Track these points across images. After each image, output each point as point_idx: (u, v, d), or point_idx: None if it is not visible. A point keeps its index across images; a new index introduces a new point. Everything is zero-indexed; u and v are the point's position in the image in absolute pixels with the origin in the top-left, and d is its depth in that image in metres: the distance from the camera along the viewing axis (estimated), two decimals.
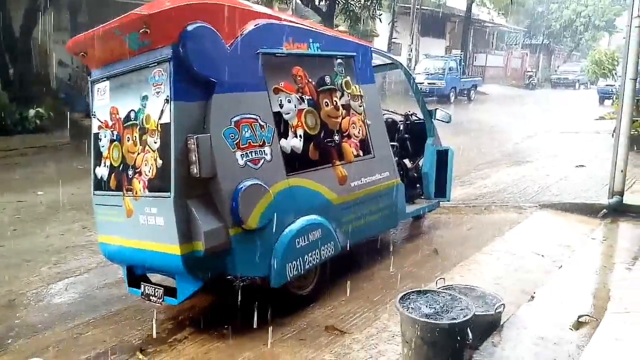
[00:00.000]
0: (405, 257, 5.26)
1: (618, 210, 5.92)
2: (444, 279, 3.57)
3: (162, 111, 3.52)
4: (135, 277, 4.23)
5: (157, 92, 3.56)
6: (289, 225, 3.96)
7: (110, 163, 4.05)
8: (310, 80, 4.27)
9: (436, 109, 6.16)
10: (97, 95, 4.21)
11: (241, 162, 3.65)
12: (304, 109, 4.18)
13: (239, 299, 3.84)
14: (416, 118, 6.40)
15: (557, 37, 43.58)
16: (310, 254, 4.09)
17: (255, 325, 3.78)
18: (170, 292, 3.88)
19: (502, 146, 12.10)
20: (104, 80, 4.10)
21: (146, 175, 3.67)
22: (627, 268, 4.32)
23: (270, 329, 3.76)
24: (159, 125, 3.55)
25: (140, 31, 3.47)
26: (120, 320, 4.29)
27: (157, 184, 3.58)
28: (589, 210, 6.17)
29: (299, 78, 4.19)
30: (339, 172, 4.43)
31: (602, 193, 6.51)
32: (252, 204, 3.61)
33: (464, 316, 2.88)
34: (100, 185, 4.16)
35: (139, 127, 3.75)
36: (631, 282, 3.85)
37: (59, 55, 15.75)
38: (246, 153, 3.68)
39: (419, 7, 27.57)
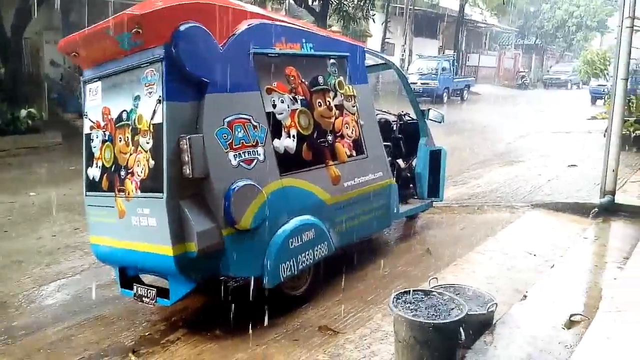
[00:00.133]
0: (399, 257, 5.27)
1: (610, 210, 5.95)
2: (436, 278, 3.57)
3: (154, 111, 3.51)
4: (128, 278, 4.22)
5: (150, 92, 3.55)
6: (283, 226, 3.96)
7: (102, 164, 4.03)
8: (303, 80, 4.27)
9: (429, 109, 6.18)
10: (89, 95, 4.19)
11: (234, 162, 3.64)
12: (297, 109, 4.18)
13: (232, 299, 3.84)
14: (409, 118, 6.42)
15: (550, 37, 43.79)
16: (303, 255, 4.09)
17: (248, 326, 3.78)
18: (162, 293, 3.87)
19: (495, 146, 12.14)
20: (96, 81, 4.08)
21: (138, 175, 3.66)
22: (619, 267, 4.35)
23: (263, 329, 3.76)
24: (152, 126, 3.54)
25: (133, 31, 3.46)
26: (113, 321, 4.27)
27: (150, 185, 3.57)
28: (580, 209, 6.20)
29: (292, 78, 4.19)
30: (333, 172, 4.43)
31: (593, 192, 6.54)
32: (245, 204, 3.61)
33: (457, 315, 2.89)
34: (92, 186, 4.14)
35: (131, 127, 3.74)
36: (623, 281, 3.87)
37: (51, 55, 15.68)
38: (239, 153, 3.68)
39: (412, 7, 27.62)
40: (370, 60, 5.61)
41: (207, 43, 3.54)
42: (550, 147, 11.30)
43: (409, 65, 26.04)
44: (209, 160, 3.48)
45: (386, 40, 25.88)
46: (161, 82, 3.45)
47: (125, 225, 3.80)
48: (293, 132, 4.12)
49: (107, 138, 3.99)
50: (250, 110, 3.80)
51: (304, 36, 4.38)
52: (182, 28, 3.41)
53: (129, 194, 3.74)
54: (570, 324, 3.40)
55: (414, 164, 6.23)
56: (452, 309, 2.98)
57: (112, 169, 3.92)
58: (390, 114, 6.39)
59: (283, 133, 4.05)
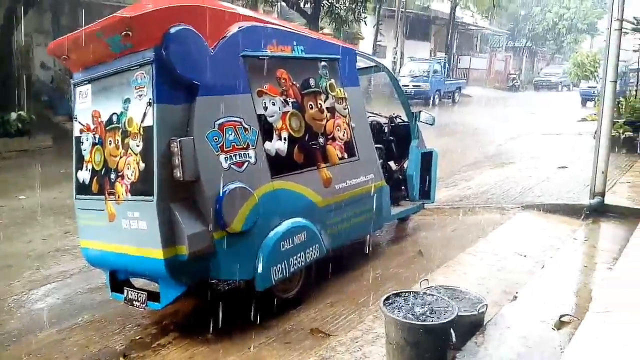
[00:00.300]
0: (390, 259, 5.28)
1: (599, 211, 5.99)
2: (427, 280, 3.58)
3: (144, 114, 3.50)
4: (118, 281, 4.19)
5: (140, 95, 3.53)
6: (274, 228, 3.96)
7: (92, 167, 4.01)
8: (294, 82, 4.28)
9: (420, 112, 6.19)
10: (79, 98, 4.16)
11: (225, 165, 3.64)
12: (288, 111, 4.18)
13: (223, 303, 3.82)
14: (400, 120, 6.43)
15: (540, 39, 44.12)
16: (295, 257, 4.08)
17: (240, 329, 3.77)
18: (153, 296, 3.85)
19: (486, 148, 12.20)
20: (86, 83, 4.06)
21: (128, 178, 3.64)
22: (609, 268, 4.38)
23: (255, 332, 3.75)
24: (142, 129, 3.53)
25: (123, 34, 3.44)
26: (104, 325, 4.25)
27: (140, 188, 3.56)
28: (570, 210, 6.24)
29: (283, 81, 4.19)
30: (324, 175, 4.44)
31: (583, 194, 6.58)
32: (236, 207, 3.60)
33: (447, 317, 2.90)
34: (82, 189, 4.12)
35: (121, 130, 3.72)
36: (612, 281, 3.89)
37: (41, 57, 15.59)
38: (230, 156, 3.67)
39: (403, 10, 27.72)
40: (361, 63, 5.63)
41: (198, 45, 3.53)
42: (541, 149, 11.37)
43: (400, 67, 26.12)
44: (200, 163, 3.48)
45: (378, 42, 25.95)
46: (151, 85, 3.44)
47: (115, 228, 3.79)
48: (284, 134, 4.12)
49: (97, 141, 3.97)
50: (241, 113, 3.79)
51: (295, 39, 4.38)
52: (172, 30, 3.40)
53: (119, 197, 3.73)
54: (561, 324, 3.42)
55: (405, 166, 6.24)
56: (443, 310, 2.99)
57: (102, 172, 3.90)
58: (381, 116, 6.41)
59: (274, 135, 4.05)
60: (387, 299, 3.11)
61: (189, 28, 3.47)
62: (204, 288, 4.12)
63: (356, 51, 5.28)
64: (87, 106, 4.07)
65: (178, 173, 3.41)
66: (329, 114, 4.55)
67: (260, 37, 4.06)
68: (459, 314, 2.97)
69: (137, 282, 4.23)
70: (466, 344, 3.11)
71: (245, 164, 3.77)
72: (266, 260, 3.85)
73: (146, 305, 3.88)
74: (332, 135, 4.56)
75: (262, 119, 3.95)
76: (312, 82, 4.44)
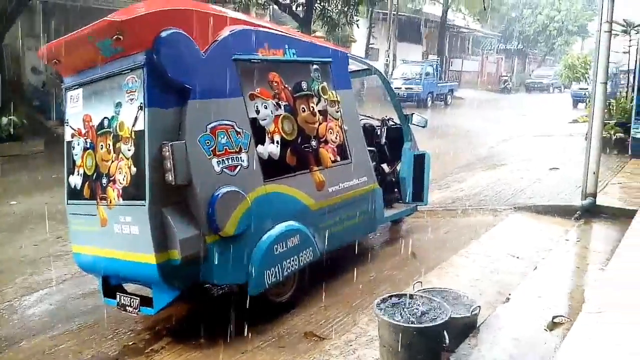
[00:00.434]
0: (384, 261, 5.28)
1: (591, 212, 6.02)
2: (421, 282, 3.58)
3: (136, 118, 3.49)
4: (111, 287, 4.17)
5: (131, 99, 3.52)
6: (267, 232, 3.95)
7: (84, 171, 3.99)
8: (286, 86, 4.28)
9: (412, 114, 6.21)
10: (70, 102, 4.15)
11: (217, 168, 3.63)
12: (280, 114, 4.18)
13: (216, 307, 3.81)
14: (393, 123, 6.44)
15: (531, 41, 44.36)
16: (288, 261, 4.08)
17: (233, 334, 3.75)
18: (146, 301, 3.83)
19: (478, 150, 12.25)
20: (77, 88, 4.05)
21: (120, 183, 3.63)
22: (601, 269, 4.40)
23: (248, 337, 3.74)
24: (133, 133, 3.52)
25: (114, 37, 3.44)
26: (97, 331, 4.22)
27: (132, 192, 3.54)
28: (563, 212, 6.27)
29: (275, 84, 4.19)
30: (317, 178, 4.44)
31: (575, 195, 6.61)
32: (229, 211, 3.59)
33: (441, 319, 2.91)
34: (74, 194, 4.09)
35: (112, 134, 3.71)
36: (604, 282, 3.91)
37: (32, 62, 15.49)
38: (222, 160, 3.66)
39: (395, 13, 27.79)
40: (353, 66, 5.64)
41: (189, 49, 3.53)
42: (533, 151, 11.42)
43: (393, 70, 26.19)
44: (192, 167, 3.47)
45: (370, 45, 26.02)
46: (143, 89, 3.43)
47: (107, 233, 3.77)
48: (277, 137, 4.12)
49: (88, 145, 3.95)
50: (233, 116, 3.79)
51: (287, 42, 4.39)
52: (163, 34, 3.40)
53: (110, 202, 3.71)
54: (553, 325, 3.43)
55: (398, 168, 6.26)
56: (436, 312, 2.99)
57: (94, 176, 3.89)
58: (374, 119, 6.42)
59: (267, 139, 4.05)
60: (381, 301, 3.11)
61: (180, 32, 3.46)
62: (197, 293, 4.10)
63: (348, 54, 5.29)
64: (78, 110, 4.05)
65: (170, 177, 3.40)
66: (321, 117, 4.56)
67: (252, 40, 4.06)
68: (452, 316, 2.97)
69: (130, 287, 4.20)
70: (459, 345, 3.12)
71: (238, 168, 3.76)
72: (259, 264, 3.84)
73: (139, 311, 3.85)
74: (324, 138, 4.56)
75: (254, 123, 3.95)
76: (304, 85, 4.44)
